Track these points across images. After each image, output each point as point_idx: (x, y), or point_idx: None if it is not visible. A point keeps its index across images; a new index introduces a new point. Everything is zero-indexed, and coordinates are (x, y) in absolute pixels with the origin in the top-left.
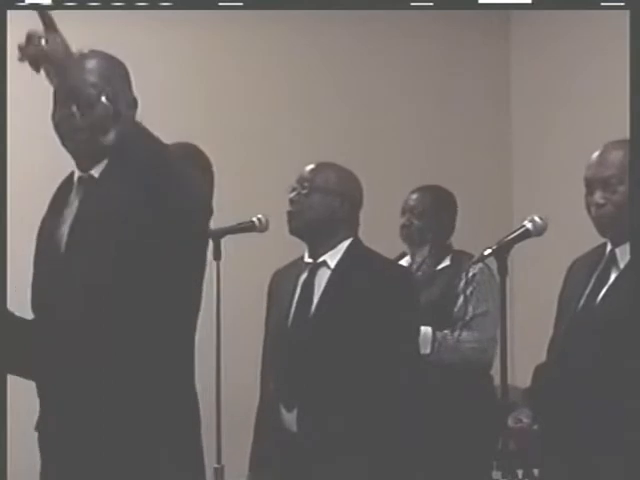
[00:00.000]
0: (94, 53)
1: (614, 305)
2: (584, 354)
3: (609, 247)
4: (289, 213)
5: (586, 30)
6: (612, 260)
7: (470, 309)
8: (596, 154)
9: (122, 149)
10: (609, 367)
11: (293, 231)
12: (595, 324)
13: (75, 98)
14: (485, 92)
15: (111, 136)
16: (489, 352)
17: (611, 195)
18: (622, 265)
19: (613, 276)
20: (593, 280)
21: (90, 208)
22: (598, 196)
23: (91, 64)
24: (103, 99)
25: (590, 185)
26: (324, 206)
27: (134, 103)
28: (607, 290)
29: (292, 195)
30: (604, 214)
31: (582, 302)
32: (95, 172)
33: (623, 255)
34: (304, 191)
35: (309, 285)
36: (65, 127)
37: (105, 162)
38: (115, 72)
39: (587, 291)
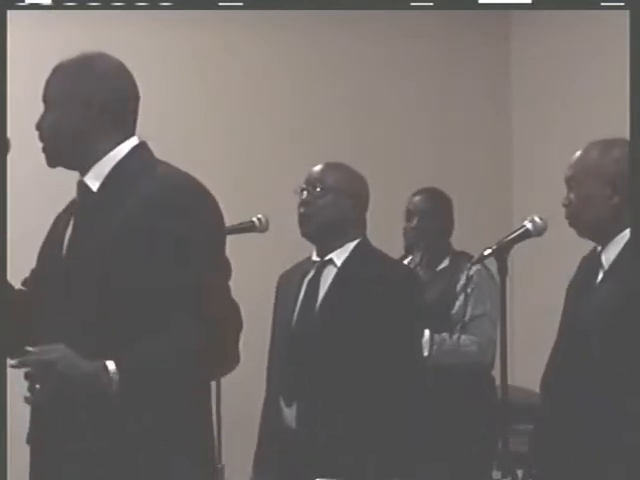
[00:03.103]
0: (65, 63)
1: (598, 305)
2: (578, 356)
3: (598, 248)
4: (302, 215)
5: (586, 30)
6: (598, 261)
7: (468, 311)
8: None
9: (125, 169)
10: (602, 367)
11: (306, 234)
12: (583, 325)
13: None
14: (485, 92)
15: (81, 144)
16: (488, 354)
17: (572, 196)
18: (607, 266)
19: (599, 277)
20: (584, 283)
21: (87, 222)
22: (564, 197)
23: (54, 76)
24: (55, 113)
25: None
26: (337, 207)
27: (112, 105)
28: (593, 292)
29: (304, 197)
30: (568, 215)
31: (577, 304)
32: (90, 182)
33: (607, 256)
34: (316, 192)
35: (315, 282)
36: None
37: (102, 173)
38: (77, 82)
39: (580, 294)
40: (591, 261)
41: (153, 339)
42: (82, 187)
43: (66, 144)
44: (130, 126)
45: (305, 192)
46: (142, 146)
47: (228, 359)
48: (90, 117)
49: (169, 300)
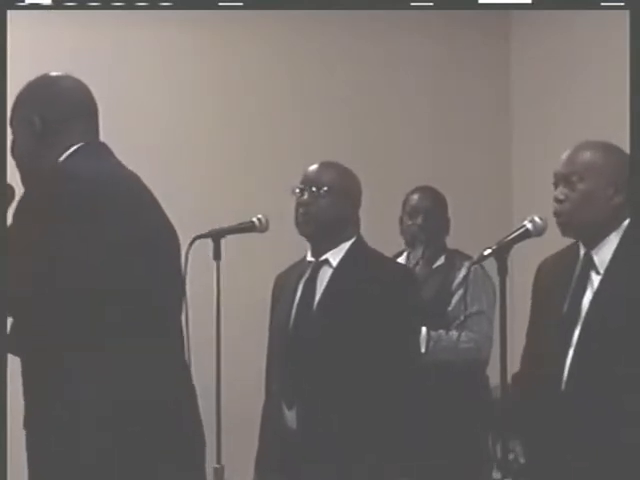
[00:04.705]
0: (19, 91)
1: (606, 311)
2: (580, 360)
3: (582, 250)
4: (302, 215)
5: (586, 30)
6: (590, 264)
7: (464, 308)
8: (567, 151)
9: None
10: (609, 371)
11: (306, 234)
12: (586, 331)
13: None
14: (485, 92)
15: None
16: (484, 351)
17: (570, 192)
18: (602, 270)
19: (596, 281)
20: (572, 285)
21: None
22: (558, 192)
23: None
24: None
25: (555, 181)
26: (335, 206)
27: (52, 117)
28: (594, 296)
29: (304, 197)
30: (562, 211)
31: (566, 308)
32: None
33: (601, 258)
34: (316, 192)
35: (311, 283)
36: None
37: None
38: (20, 103)
39: (569, 297)
40: (570, 262)
41: None
42: None
43: (26, 168)
44: (83, 132)
45: (305, 193)
46: (81, 149)
47: None
48: (36, 133)
49: None
